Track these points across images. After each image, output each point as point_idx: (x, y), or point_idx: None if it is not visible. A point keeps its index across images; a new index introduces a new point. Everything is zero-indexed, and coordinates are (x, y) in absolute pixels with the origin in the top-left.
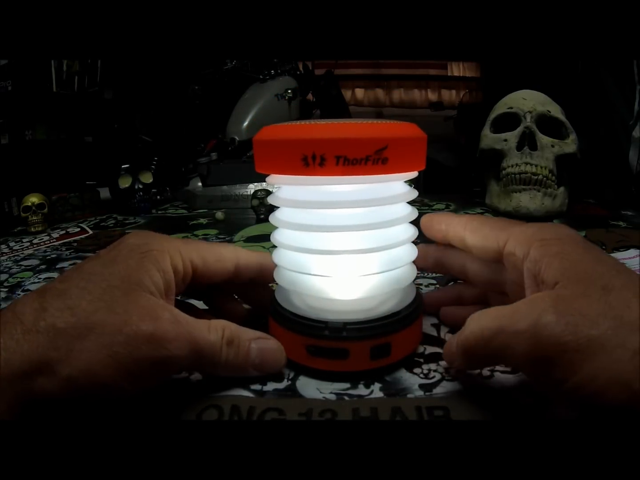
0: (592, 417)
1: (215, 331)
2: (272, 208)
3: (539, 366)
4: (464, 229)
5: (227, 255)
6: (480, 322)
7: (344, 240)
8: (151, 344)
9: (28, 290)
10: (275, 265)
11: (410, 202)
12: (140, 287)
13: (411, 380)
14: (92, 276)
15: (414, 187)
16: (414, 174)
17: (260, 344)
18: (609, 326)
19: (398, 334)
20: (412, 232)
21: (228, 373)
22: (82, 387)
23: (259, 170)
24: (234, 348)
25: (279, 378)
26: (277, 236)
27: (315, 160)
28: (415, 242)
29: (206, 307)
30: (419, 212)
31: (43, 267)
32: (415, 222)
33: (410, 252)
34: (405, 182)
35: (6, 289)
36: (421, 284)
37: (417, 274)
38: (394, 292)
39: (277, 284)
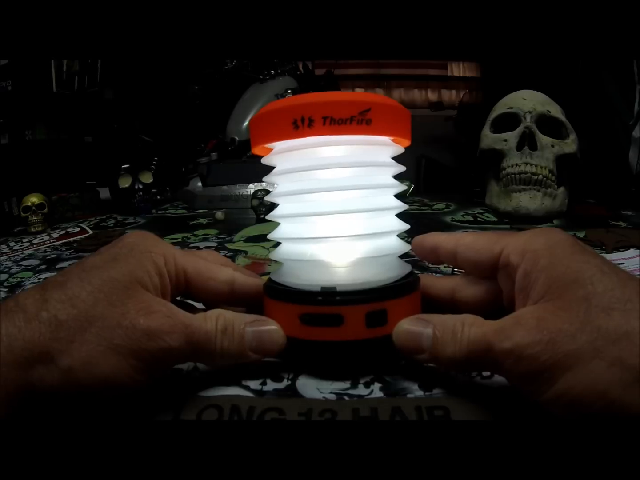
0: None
1: (210, 320)
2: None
3: (521, 380)
4: (455, 246)
5: (222, 277)
6: (474, 335)
7: (335, 203)
8: (148, 336)
9: None
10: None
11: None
12: (139, 284)
13: (411, 380)
14: (93, 269)
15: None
16: (400, 149)
17: (255, 326)
18: (586, 339)
19: (395, 301)
20: (399, 204)
21: (228, 361)
22: (81, 379)
23: (255, 150)
24: (229, 334)
25: (279, 378)
26: (274, 212)
27: (304, 122)
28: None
29: (204, 308)
30: (418, 212)
31: (43, 267)
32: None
33: (399, 223)
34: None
35: (6, 289)
36: None
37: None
38: (389, 262)
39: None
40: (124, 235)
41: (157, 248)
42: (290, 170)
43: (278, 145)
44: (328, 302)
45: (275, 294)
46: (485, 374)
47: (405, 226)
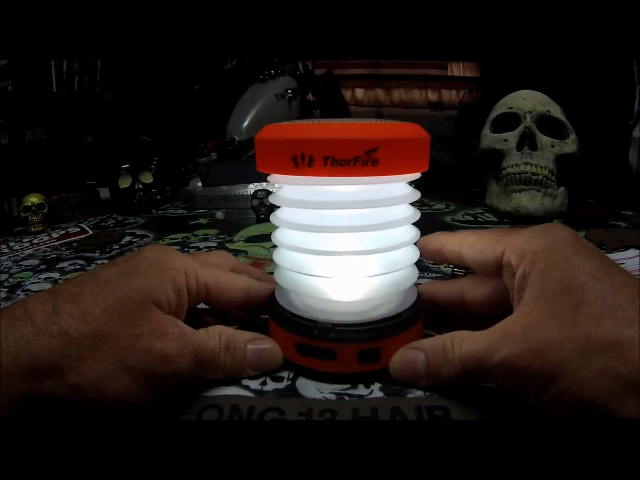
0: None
1: (213, 338)
2: (273, 207)
3: (515, 389)
4: (460, 247)
5: (239, 285)
6: (465, 352)
7: (344, 241)
8: (161, 359)
9: (28, 290)
10: (276, 265)
11: (411, 203)
12: (153, 303)
13: None
14: (108, 284)
15: (414, 188)
16: (414, 176)
17: (255, 344)
18: (574, 348)
19: (389, 340)
20: (413, 233)
21: (227, 376)
22: (90, 396)
23: (260, 169)
24: (231, 352)
25: (279, 378)
26: (278, 236)
27: (304, 161)
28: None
29: (206, 307)
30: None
31: (43, 267)
32: (417, 224)
33: (411, 254)
34: (407, 183)
35: (6, 289)
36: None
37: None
38: (393, 295)
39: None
40: (143, 248)
41: (179, 264)
42: (293, 204)
43: (280, 177)
44: (322, 337)
45: (277, 319)
46: None
47: (417, 257)
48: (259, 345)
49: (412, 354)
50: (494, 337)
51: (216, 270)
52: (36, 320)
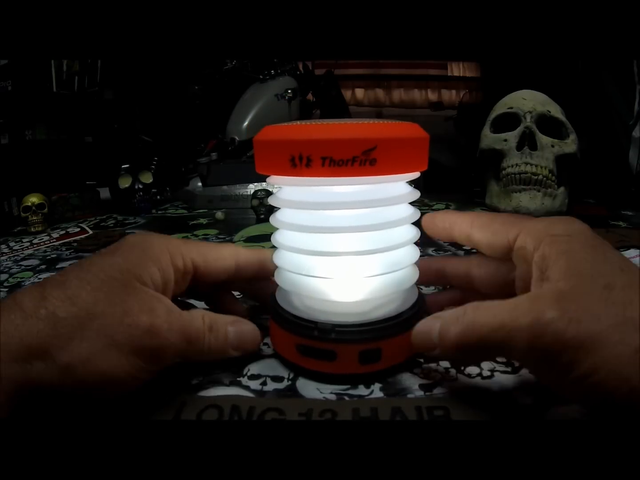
0: (594, 415)
1: (197, 318)
2: (272, 208)
3: (541, 361)
4: (471, 226)
5: (227, 254)
6: (478, 317)
7: (344, 242)
8: (149, 334)
9: None
10: (276, 266)
11: (411, 203)
12: (137, 281)
13: (411, 380)
14: (91, 267)
15: (414, 187)
16: (412, 175)
17: (236, 326)
18: (610, 323)
19: (390, 340)
20: (414, 233)
21: (211, 357)
22: (80, 375)
23: (259, 170)
24: (214, 333)
25: (279, 378)
26: (278, 237)
27: (302, 161)
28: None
29: (207, 307)
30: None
31: (43, 267)
32: (417, 223)
33: (411, 254)
34: (407, 182)
35: (6, 289)
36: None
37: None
38: (393, 295)
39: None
40: (126, 236)
41: (160, 244)
42: (292, 205)
43: (279, 179)
44: (322, 338)
45: (277, 320)
46: (486, 374)
47: (417, 256)
48: (239, 327)
49: (429, 323)
50: (520, 301)
51: (202, 245)
52: (24, 306)
